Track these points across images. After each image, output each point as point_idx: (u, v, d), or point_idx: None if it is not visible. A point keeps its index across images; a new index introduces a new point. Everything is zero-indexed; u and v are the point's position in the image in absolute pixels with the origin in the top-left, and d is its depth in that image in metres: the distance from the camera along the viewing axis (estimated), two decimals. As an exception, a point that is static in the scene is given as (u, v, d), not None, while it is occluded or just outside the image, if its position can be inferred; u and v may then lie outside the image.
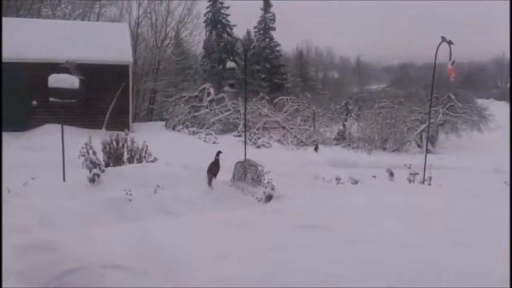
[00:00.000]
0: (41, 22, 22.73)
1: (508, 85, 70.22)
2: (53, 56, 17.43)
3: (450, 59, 9.42)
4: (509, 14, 20.68)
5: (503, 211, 5.79)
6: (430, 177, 9.62)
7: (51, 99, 8.65)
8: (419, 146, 24.79)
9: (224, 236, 4.63)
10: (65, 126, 8.85)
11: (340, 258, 3.84)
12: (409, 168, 9.61)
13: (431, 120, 23.25)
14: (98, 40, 19.18)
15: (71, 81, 8.59)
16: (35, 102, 17.29)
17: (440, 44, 9.57)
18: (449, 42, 9.37)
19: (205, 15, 41.48)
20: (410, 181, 9.36)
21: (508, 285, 3.21)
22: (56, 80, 8.51)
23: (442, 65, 10.70)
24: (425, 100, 26.20)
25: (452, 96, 27.11)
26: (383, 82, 70.46)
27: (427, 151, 12.60)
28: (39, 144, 13.93)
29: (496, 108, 34.25)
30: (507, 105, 48.98)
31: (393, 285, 3.32)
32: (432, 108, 21.68)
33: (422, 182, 9.44)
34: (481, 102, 32.43)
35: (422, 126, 24.70)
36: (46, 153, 11.92)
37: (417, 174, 9.52)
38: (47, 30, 19.43)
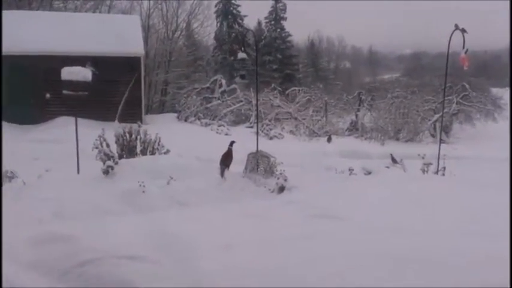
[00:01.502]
0: (53, 15, 22.84)
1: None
2: (65, 49, 17.58)
3: (464, 47, 9.29)
4: (509, 14, 20.29)
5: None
6: (444, 168, 9.53)
7: (64, 91, 8.73)
8: (433, 136, 24.56)
9: (237, 227, 4.64)
10: (78, 119, 8.93)
11: (354, 248, 3.84)
12: (423, 158, 9.53)
13: (445, 110, 22.99)
14: (109, 32, 19.23)
15: (83, 74, 8.65)
16: (48, 95, 17.43)
17: (453, 32, 9.43)
18: (463, 31, 9.23)
19: (216, 6, 41.39)
20: (424, 171, 9.28)
21: (508, 286, 3.18)
22: (68, 73, 8.58)
23: (455, 54, 10.55)
24: (438, 89, 25.90)
25: (466, 86, 26.77)
26: (396, 72, 69.88)
27: (441, 141, 12.48)
28: (53, 137, 14.07)
29: (511, 96, 33.73)
30: (522, 94, 48.34)
31: (409, 274, 3.31)
32: (446, 98, 21.46)
33: (436, 172, 9.36)
34: (495, 91, 31.97)
35: (436, 116, 24.44)
36: (60, 146, 12.05)
37: (431, 164, 9.43)
38: (59, 23, 19.52)
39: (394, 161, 11.78)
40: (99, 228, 4.43)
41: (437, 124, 23.92)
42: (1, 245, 3.76)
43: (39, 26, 18.27)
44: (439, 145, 10.25)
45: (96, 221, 4.97)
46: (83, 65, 9.40)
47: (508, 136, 24.38)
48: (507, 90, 41.81)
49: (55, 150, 11.86)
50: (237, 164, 8.23)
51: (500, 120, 26.41)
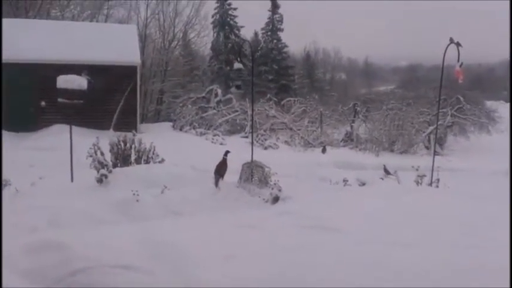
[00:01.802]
0: (50, 23, 22.89)
1: (517, 87, 69.76)
2: (62, 57, 17.61)
3: (458, 60, 9.37)
4: (509, 14, 20.52)
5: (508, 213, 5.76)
6: (438, 179, 9.57)
7: (59, 100, 8.73)
8: (427, 147, 24.67)
9: (231, 237, 4.63)
10: (73, 127, 8.92)
11: (348, 260, 3.83)
12: (417, 170, 9.56)
13: (440, 122, 23.14)
14: (106, 41, 19.30)
15: (79, 82, 8.66)
16: (43, 103, 17.42)
17: (448, 45, 9.53)
18: (458, 44, 9.32)
19: (213, 16, 41.63)
20: (417, 183, 9.31)
21: (508, 285, 3.19)
22: (64, 81, 8.59)
23: (450, 67, 10.64)
24: (433, 102, 26.05)
25: (461, 98, 26.96)
26: (391, 83, 70.29)
27: (435, 153, 12.54)
28: (48, 145, 14.03)
29: (506, 110, 33.98)
30: (516, 107, 48.70)
31: (404, 286, 3.31)
32: (440, 110, 21.60)
33: (430, 184, 9.39)
34: (490, 104, 32.20)
35: (431, 128, 24.57)
36: (54, 154, 12.01)
37: (425, 176, 9.47)
38: (56, 31, 19.59)
39: (387, 172, 11.83)
40: (92, 237, 4.41)
41: (432, 136, 24.03)
42: (1, 247, 3.75)
43: (36, 35, 18.31)
44: (433, 157, 10.30)
45: (90, 230, 4.94)
46: (79, 74, 9.41)
47: (502, 149, 24.58)
48: (501, 103, 42.25)
49: (49, 158, 11.83)
50: (232, 174, 8.23)
51: (494, 133, 26.57)
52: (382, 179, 10.53)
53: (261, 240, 4.51)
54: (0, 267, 3.44)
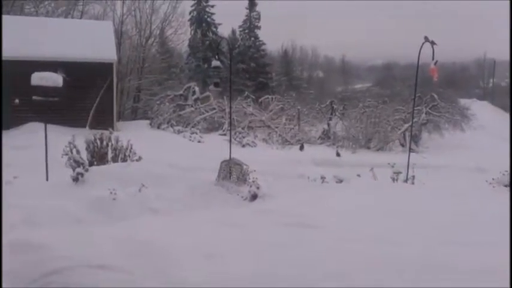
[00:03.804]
0: (24, 19, 22.45)
1: (490, 85, 71.33)
2: (36, 54, 17.29)
3: (433, 59, 9.53)
4: (509, 14, 20.93)
5: (486, 209, 5.90)
6: (414, 176, 9.73)
7: (34, 97, 8.58)
8: (402, 145, 25.03)
9: (209, 235, 4.63)
10: (48, 125, 8.77)
11: (326, 256, 3.87)
12: (393, 167, 9.70)
13: (415, 120, 23.50)
14: (81, 38, 19.04)
15: (54, 79, 8.52)
16: (17, 101, 17.08)
17: (423, 44, 9.67)
18: (432, 43, 9.48)
19: (190, 13, 41.34)
20: (393, 180, 9.44)
21: (508, 285, 3.26)
22: (39, 78, 8.44)
23: (425, 65, 10.82)
24: (408, 99, 26.46)
25: (435, 96, 27.44)
26: (367, 82, 70.96)
27: (411, 150, 12.73)
28: (22, 143, 13.76)
29: (478, 107, 34.78)
30: (488, 105, 49.81)
31: (382, 281, 3.36)
32: (415, 108, 21.92)
33: (406, 181, 9.54)
34: (463, 102, 32.88)
35: (406, 126, 24.94)
36: (29, 152, 11.79)
37: (400, 173, 9.61)
38: (30, 27, 19.21)
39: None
40: (68, 237, 4.35)
41: (407, 133, 24.39)
42: (1, 245, 3.69)
43: (9, 31, 17.90)
44: (409, 154, 10.45)
45: (66, 229, 4.88)
46: (54, 71, 9.25)
47: (476, 146, 25.09)
48: (474, 101, 43.10)
49: (24, 157, 11.59)
50: (210, 172, 8.22)
51: (467, 130, 27.11)
52: (359, 175, 10.64)
53: (241, 238, 4.53)
54: (0, 267, 3.39)
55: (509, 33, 22.81)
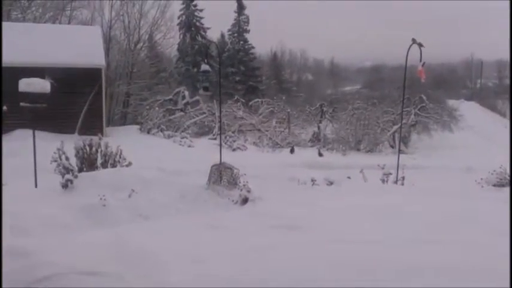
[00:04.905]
0: (11, 25, 22.24)
1: (477, 85, 72.04)
2: (24, 60, 17.16)
3: (421, 60, 9.61)
4: (509, 14, 21.12)
5: (476, 209, 5.95)
6: (403, 177, 9.79)
7: (22, 104, 8.52)
8: (392, 146, 25.18)
9: (200, 239, 4.63)
10: (37, 132, 8.71)
11: (317, 259, 3.88)
12: (383, 168, 9.76)
13: (404, 121, 23.65)
14: (69, 43, 18.92)
15: (41, 85, 8.46)
16: (5, 107, 16.92)
17: (410, 46, 9.75)
18: (420, 45, 9.56)
19: (179, 17, 41.30)
20: (383, 181, 9.50)
21: (508, 285, 3.28)
22: (26, 85, 8.38)
23: (413, 67, 10.91)
24: (397, 101, 26.63)
25: (424, 97, 27.64)
26: (356, 84, 71.38)
27: (400, 151, 12.81)
28: (10, 150, 13.62)
29: (466, 108, 35.11)
30: (476, 105, 50.33)
31: (371, 283, 3.38)
32: (404, 109, 22.07)
33: (396, 182, 9.60)
34: (451, 103, 33.16)
35: (395, 127, 25.09)
36: (17, 159, 11.70)
37: (390, 174, 9.67)
38: (17, 33, 19.04)
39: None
40: (58, 243, 4.33)
41: (396, 135, 24.55)
42: (1, 244, 3.68)
43: (-4, 37, 17.75)
44: (398, 155, 10.52)
45: (55, 236, 4.85)
46: (42, 77, 9.20)
47: (464, 146, 25.29)
48: (462, 102, 43.52)
49: (12, 164, 11.48)
50: (201, 176, 8.21)
51: (456, 130, 27.32)
52: (350, 178, 10.68)
53: (229, 241, 4.53)
54: (0, 267, 3.37)
55: (510, 33, 23.02)
